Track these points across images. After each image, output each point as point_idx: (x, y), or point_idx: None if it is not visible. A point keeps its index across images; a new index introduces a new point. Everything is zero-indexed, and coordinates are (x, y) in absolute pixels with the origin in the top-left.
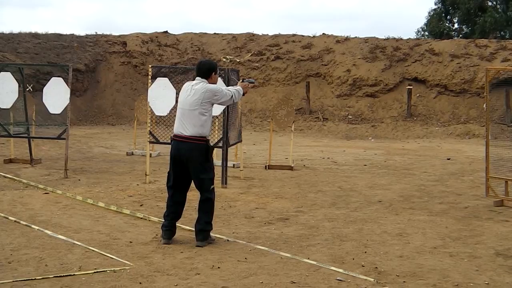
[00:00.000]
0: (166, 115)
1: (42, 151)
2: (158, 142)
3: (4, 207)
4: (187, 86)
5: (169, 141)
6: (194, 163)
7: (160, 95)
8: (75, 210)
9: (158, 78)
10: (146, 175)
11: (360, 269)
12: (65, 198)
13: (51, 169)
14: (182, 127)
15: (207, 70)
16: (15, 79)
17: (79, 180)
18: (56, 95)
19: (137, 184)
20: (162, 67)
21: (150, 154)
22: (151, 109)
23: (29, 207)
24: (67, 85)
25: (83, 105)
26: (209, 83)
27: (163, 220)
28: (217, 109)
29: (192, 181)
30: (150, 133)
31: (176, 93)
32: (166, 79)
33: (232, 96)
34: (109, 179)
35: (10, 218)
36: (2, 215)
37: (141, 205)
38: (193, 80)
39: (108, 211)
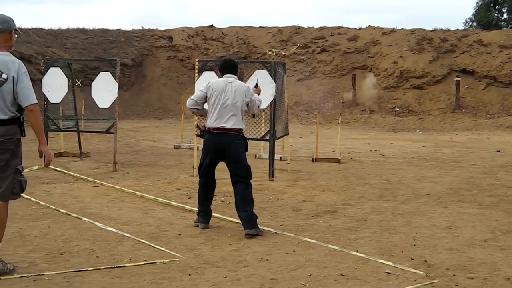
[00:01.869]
0: None
1: (91, 144)
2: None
3: (55, 199)
4: (221, 83)
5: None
6: (235, 152)
7: None
8: (124, 203)
9: (204, 72)
10: (193, 168)
11: (409, 262)
12: (114, 191)
13: (100, 162)
14: (224, 121)
15: (236, 67)
16: (64, 74)
17: (128, 173)
18: (104, 89)
19: (185, 177)
20: (208, 61)
21: (198, 147)
22: None
23: (79, 199)
24: (115, 79)
25: (130, 99)
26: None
27: (199, 206)
28: (264, 102)
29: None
30: (197, 126)
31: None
32: (213, 72)
33: (258, 106)
34: (157, 172)
35: (61, 210)
36: (53, 207)
37: (189, 198)
38: (221, 77)
39: (156, 204)
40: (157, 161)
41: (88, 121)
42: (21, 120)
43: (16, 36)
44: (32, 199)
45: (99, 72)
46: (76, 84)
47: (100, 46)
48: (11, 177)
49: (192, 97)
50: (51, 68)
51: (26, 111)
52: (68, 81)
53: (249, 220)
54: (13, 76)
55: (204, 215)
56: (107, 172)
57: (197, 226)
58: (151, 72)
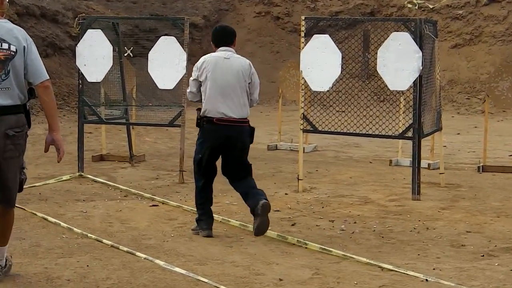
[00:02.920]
0: (327, 91)
1: (145, 143)
2: (315, 130)
3: (96, 225)
4: (215, 60)
5: (328, 129)
6: (241, 147)
7: (318, 61)
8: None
9: (314, 36)
10: (298, 179)
11: None
12: (182, 213)
13: (159, 170)
14: (226, 108)
15: (232, 36)
16: (108, 39)
17: None
18: (167, 62)
19: (285, 194)
20: (319, 19)
21: (304, 149)
22: (305, 81)
23: (130, 225)
24: (183, 48)
25: None
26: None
27: (198, 210)
28: (405, 82)
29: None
30: (304, 117)
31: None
32: (326, 36)
33: (256, 100)
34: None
35: (104, 241)
36: (94, 236)
37: (292, 225)
38: (217, 51)
39: (245, 233)
40: None
41: (141, 109)
42: (28, 107)
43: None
44: (62, 224)
45: (158, 37)
46: (126, 54)
47: None
48: (17, 177)
49: (188, 89)
50: (89, 31)
51: (40, 89)
52: (114, 50)
53: (261, 193)
54: (24, 47)
55: (208, 218)
56: (171, 184)
57: (197, 234)
58: None
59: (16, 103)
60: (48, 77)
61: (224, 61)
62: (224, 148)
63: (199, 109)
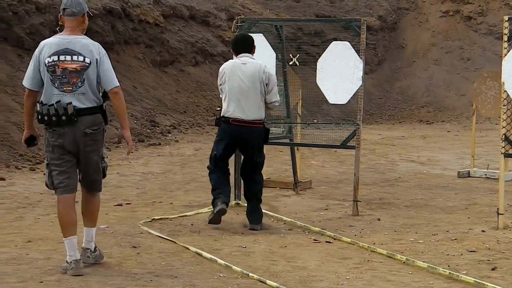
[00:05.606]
0: None
1: (311, 167)
2: None
3: (258, 263)
4: (233, 64)
5: None
6: (254, 147)
7: None
8: (377, 273)
9: None
10: (498, 214)
11: None
12: (357, 251)
13: (328, 199)
14: (241, 110)
15: (250, 44)
16: (269, 44)
17: (378, 219)
18: (339, 72)
19: (482, 231)
20: None
21: (505, 177)
22: (507, 96)
23: (297, 264)
24: (359, 55)
25: (376, 89)
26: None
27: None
28: None
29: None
30: (506, 139)
31: None
32: None
33: (276, 101)
34: (430, 220)
35: (268, 282)
36: (256, 277)
37: (492, 269)
38: (236, 58)
39: (434, 277)
40: (430, 200)
41: (307, 127)
42: (104, 107)
43: (87, 19)
44: (219, 260)
45: (324, 42)
46: (291, 63)
47: None
48: (99, 165)
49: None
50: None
51: (111, 94)
52: (277, 57)
53: (253, 213)
54: (96, 59)
55: (220, 195)
56: (343, 216)
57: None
58: (414, 41)
59: (92, 105)
60: (118, 84)
61: (240, 66)
62: (239, 147)
63: (219, 110)
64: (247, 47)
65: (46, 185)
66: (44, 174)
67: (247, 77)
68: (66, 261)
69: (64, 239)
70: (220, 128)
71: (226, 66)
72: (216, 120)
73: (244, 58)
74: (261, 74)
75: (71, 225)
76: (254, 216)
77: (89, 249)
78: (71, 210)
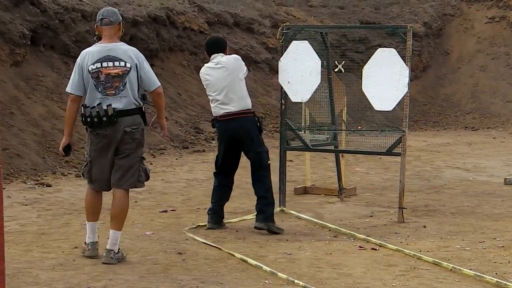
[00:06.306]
0: None
1: (356, 174)
2: None
3: (303, 270)
4: (211, 68)
5: None
6: (248, 137)
7: None
8: (423, 280)
9: None
10: None
11: None
12: (403, 258)
13: (373, 206)
14: (226, 105)
15: (222, 44)
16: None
17: (424, 226)
18: (385, 79)
19: None
20: None
21: None
22: None
23: (343, 271)
24: (405, 61)
25: (420, 96)
26: None
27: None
28: None
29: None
30: None
31: None
32: None
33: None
34: (477, 227)
35: None
36: (302, 284)
37: None
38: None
39: (482, 285)
40: (476, 207)
41: (352, 134)
42: (143, 109)
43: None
44: (265, 267)
45: (368, 48)
46: (336, 70)
47: (369, 1)
48: (137, 165)
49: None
50: (294, 43)
51: (154, 94)
52: (322, 64)
53: (260, 212)
54: (136, 64)
55: (213, 213)
56: (388, 223)
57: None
58: (459, 47)
59: (132, 107)
60: (159, 84)
61: (214, 66)
62: (235, 143)
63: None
64: (219, 47)
65: (83, 174)
66: (84, 166)
67: (221, 73)
68: (85, 242)
69: (87, 222)
70: (216, 129)
71: (203, 72)
72: (212, 122)
73: (215, 59)
74: (235, 65)
75: (95, 213)
76: (259, 216)
77: (112, 250)
78: (97, 200)
